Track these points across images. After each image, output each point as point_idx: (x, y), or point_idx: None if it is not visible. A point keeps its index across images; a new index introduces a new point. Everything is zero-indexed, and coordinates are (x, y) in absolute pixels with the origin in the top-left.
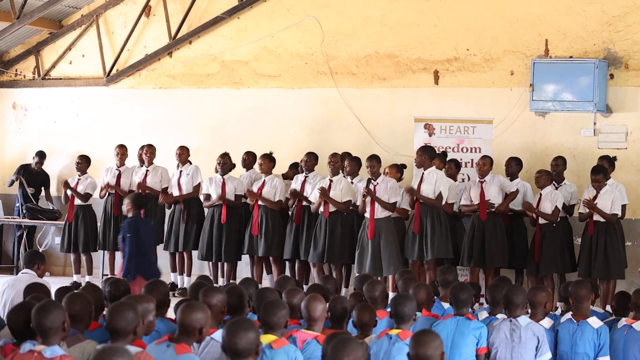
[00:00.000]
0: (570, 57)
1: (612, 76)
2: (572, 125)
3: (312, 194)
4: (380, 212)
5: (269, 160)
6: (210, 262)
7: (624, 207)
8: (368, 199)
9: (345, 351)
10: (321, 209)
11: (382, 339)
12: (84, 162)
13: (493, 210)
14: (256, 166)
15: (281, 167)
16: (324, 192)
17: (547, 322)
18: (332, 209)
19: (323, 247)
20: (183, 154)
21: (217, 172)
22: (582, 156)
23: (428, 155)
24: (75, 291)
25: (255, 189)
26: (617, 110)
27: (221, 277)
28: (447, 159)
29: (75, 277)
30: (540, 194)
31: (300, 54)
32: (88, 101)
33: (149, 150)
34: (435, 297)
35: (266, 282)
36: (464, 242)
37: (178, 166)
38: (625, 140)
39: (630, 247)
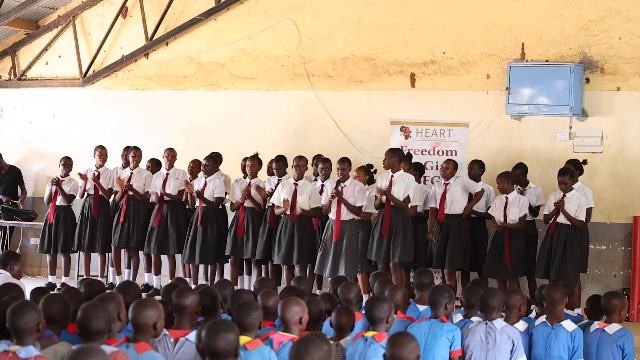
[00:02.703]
0: (547, 61)
1: (587, 80)
2: (547, 129)
3: (275, 197)
4: (345, 215)
5: (258, 162)
6: (189, 264)
7: (589, 210)
8: (335, 200)
9: (308, 354)
10: (287, 212)
11: (358, 341)
12: (68, 164)
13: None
14: (224, 168)
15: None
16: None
17: (521, 325)
18: (299, 211)
19: (286, 249)
20: (172, 157)
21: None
22: (558, 160)
23: (398, 158)
24: (52, 292)
25: (240, 192)
26: (593, 114)
27: (205, 279)
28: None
29: (50, 278)
30: (507, 199)
31: (277, 56)
32: (64, 102)
33: (136, 153)
34: (411, 299)
35: (247, 284)
36: (434, 246)
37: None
38: (600, 144)
39: (605, 251)
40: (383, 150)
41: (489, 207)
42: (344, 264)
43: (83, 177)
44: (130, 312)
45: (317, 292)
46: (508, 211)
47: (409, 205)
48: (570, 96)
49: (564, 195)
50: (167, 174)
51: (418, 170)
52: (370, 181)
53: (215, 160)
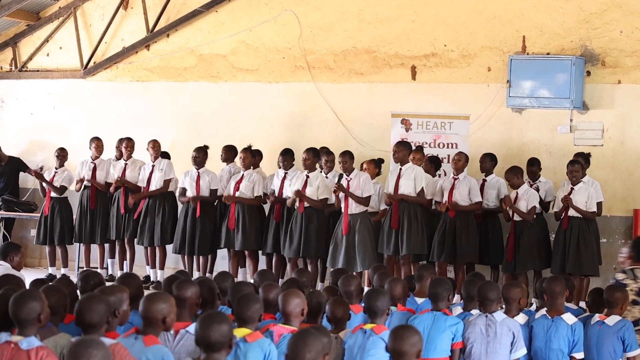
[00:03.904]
0: (547, 53)
1: (588, 73)
2: (548, 121)
3: (289, 191)
4: (355, 207)
5: (251, 154)
6: (185, 256)
7: (599, 204)
8: (342, 194)
9: (307, 347)
10: (296, 204)
11: (357, 334)
12: (64, 155)
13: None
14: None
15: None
16: (299, 194)
17: (521, 318)
18: (306, 204)
19: (298, 242)
20: (157, 148)
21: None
22: (559, 153)
23: (408, 151)
24: (50, 284)
25: (233, 183)
26: (594, 107)
27: (197, 270)
28: (427, 156)
29: (50, 270)
30: (517, 192)
31: (278, 48)
32: (65, 93)
33: (129, 144)
34: (410, 292)
35: (243, 276)
36: (435, 237)
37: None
38: (601, 137)
39: (606, 244)
40: (384, 143)
41: (502, 199)
42: (359, 258)
43: (34, 172)
44: (140, 306)
45: (320, 285)
46: (517, 205)
47: (424, 197)
48: (571, 89)
49: (572, 189)
50: (153, 165)
51: (434, 164)
52: (379, 174)
53: (205, 152)
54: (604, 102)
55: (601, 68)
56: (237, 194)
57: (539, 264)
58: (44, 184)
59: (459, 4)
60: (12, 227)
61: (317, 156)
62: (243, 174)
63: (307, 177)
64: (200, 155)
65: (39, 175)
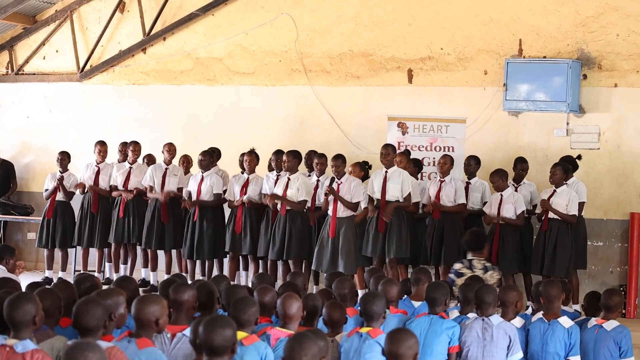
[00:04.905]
0: (544, 57)
1: (585, 76)
2: (545, 125)
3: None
4: (343, 211)
5: (256, 157)
6: (188, 260)
7: (581, 205)
8: (331, 197)
9: (303, 350)
10: (278, 206)
11: (353, 337)
12: (66, 159)
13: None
14: (221, 163)
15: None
16: (276, 197)
17: (518, 322)
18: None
19: (281, 244)
20: (172, 151)
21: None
22: (555, 156)
23: (395, 153)
24: (46, 287)
25: (238, 188)
26: (590, 111)
27: (201, 275)
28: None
29: (47, 273)
30: (502, 196)
31: (275, 51)
32: (61, 97)
33: (135, 148)
34: (406, 295)
35: (245, 280)
36: (425, 241)
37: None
38: (597, 141)
39: (602, 247)
40: (380, 146)
41: (485, 202)
42: (343, 261)
43: (82, 186)
44: (132, 308)
45: (314, 288)
46: (502, 208)
47: (411, 202)
48: (568, 92)
49: (554, 191)
50: (167, 169)
51: (417, 167)
52: (365, 177)
53: (211, 155)
54: (600, 106)
55: (597, 71)
56: (244, 197)
57: (523, 266)
58: (51, 185)
59: (456, 7)
60: (6, 229)
61: (297, 158)
62: (248, 178)
63: (288, 179)
64: (207, 159)
65: (61, 180)
